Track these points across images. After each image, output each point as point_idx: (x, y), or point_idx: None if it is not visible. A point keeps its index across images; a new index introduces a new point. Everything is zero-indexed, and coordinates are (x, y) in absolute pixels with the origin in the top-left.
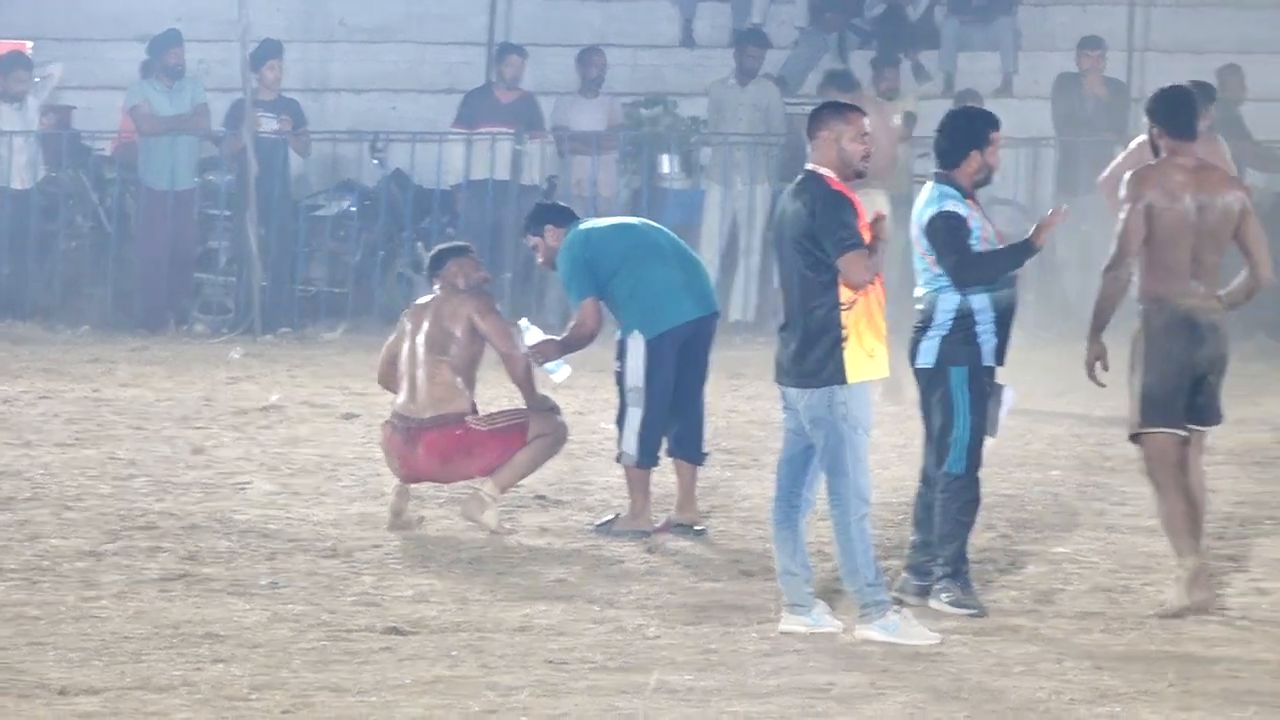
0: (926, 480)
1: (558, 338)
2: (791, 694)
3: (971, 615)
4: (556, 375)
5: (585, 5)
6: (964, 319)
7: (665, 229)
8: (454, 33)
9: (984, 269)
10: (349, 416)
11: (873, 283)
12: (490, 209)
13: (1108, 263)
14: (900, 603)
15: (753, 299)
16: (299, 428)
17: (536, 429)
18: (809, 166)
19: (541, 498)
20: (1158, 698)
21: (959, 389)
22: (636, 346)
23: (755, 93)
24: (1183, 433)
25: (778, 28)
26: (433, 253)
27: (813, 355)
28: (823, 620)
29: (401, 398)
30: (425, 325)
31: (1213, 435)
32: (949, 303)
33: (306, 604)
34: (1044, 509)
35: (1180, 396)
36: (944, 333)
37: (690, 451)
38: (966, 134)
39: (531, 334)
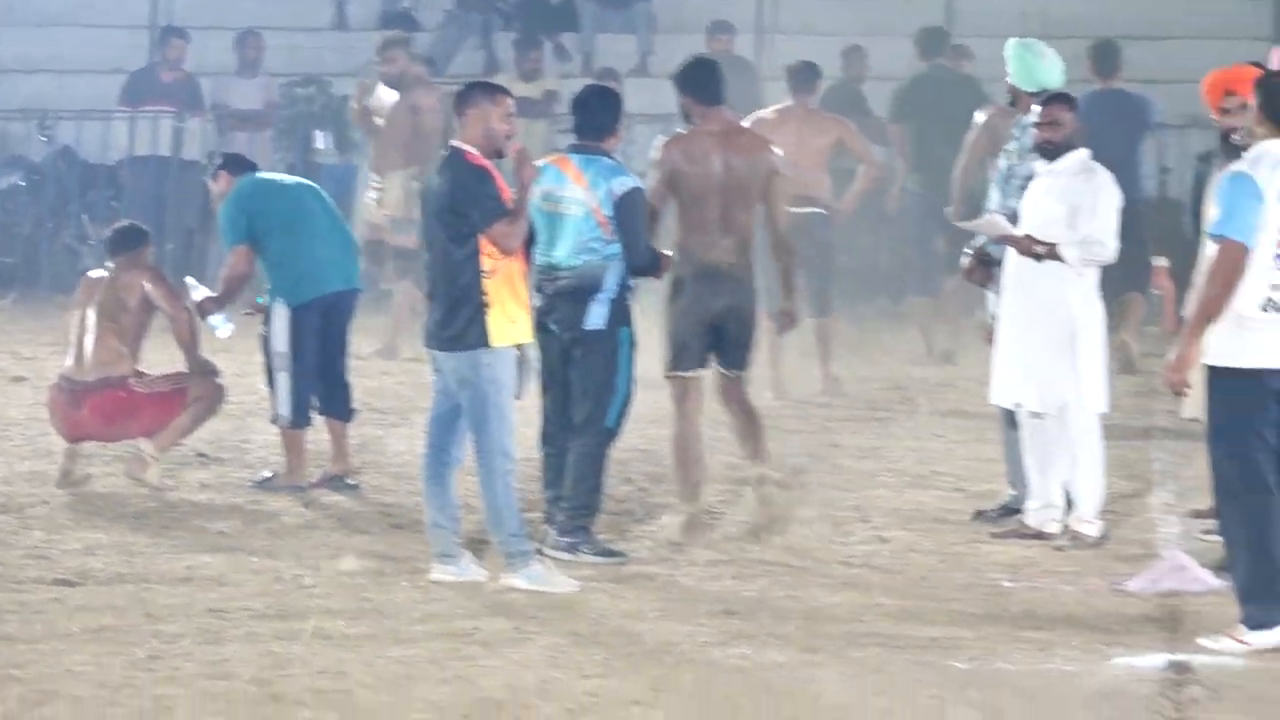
0: (549, 439)
1: (215, 294)
2: (440, 639)
3: (612, 564)
4: (220, 331)
5: None
6: (626, 286)
7: (328, 201)
8: (119, 16)
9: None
10: (17, 380)
11: (518, 250)
12: (153, 183)
13: None
14: (542, 552)
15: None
16: None
17: (196, 391)
18: (453, 143)
19: (203, 455)
20: (785, 640)
21: (625, 349)
22: (281, 314)
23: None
24: (701, 374)
25: (426, 11)
26: (113, 233)
27: (457, 320)
28: (469, 570)
29: (69, 362)
30: (98, 296)
31: (833, 393)
32: (618, 270)
33: None
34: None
35: (698, 342)
36: (613, 296)
37: (339, 410)
38: (614, 110)
39: (198, 291)
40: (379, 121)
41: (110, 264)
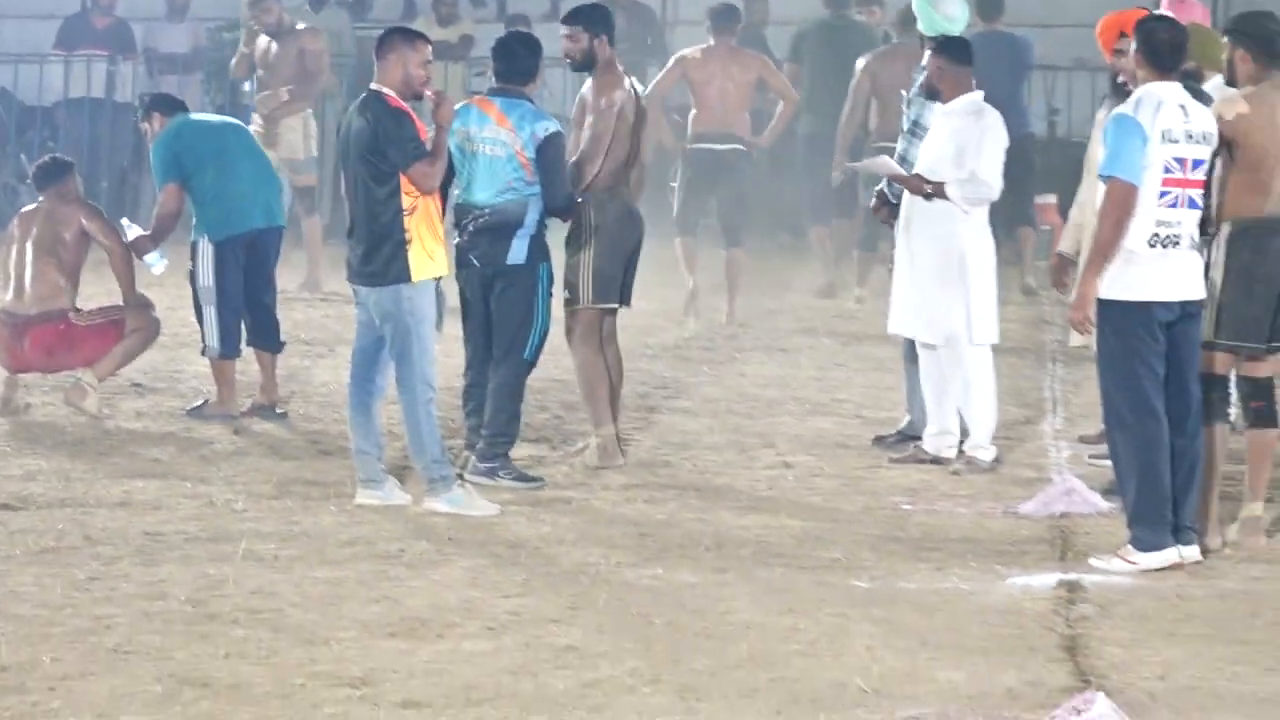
0: (470, 369)
1: (148, 233)
2: (367, 560)
3: (530, 488)
4: (155, 268)
5: None
6: (544, 224)
7: (254, 141)
8: None
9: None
10: None
11: (436, 189)
12: (87, 124)
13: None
14: (463, 477)
15: (326, 205)
16: None
17: (133, 324)
18: (373, 86)
19: (138, 385)
20: (695, 560)
21: (544, 283)
22: (206, 249)
23: (327, 18)
24: (615, 307)
25: None
26: (37, 168)
27: (379, 257)
28: (393, 494)
29: (9, 296)
30: (34, 230)
31: (744, 325)
32: (537, 208)
33: None
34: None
35: (619, 276)
36: (533, 233)
37: (268, 342)
38: (536, 56)
39: (131, 230)
40: (260, 73)
41: (41, 198)
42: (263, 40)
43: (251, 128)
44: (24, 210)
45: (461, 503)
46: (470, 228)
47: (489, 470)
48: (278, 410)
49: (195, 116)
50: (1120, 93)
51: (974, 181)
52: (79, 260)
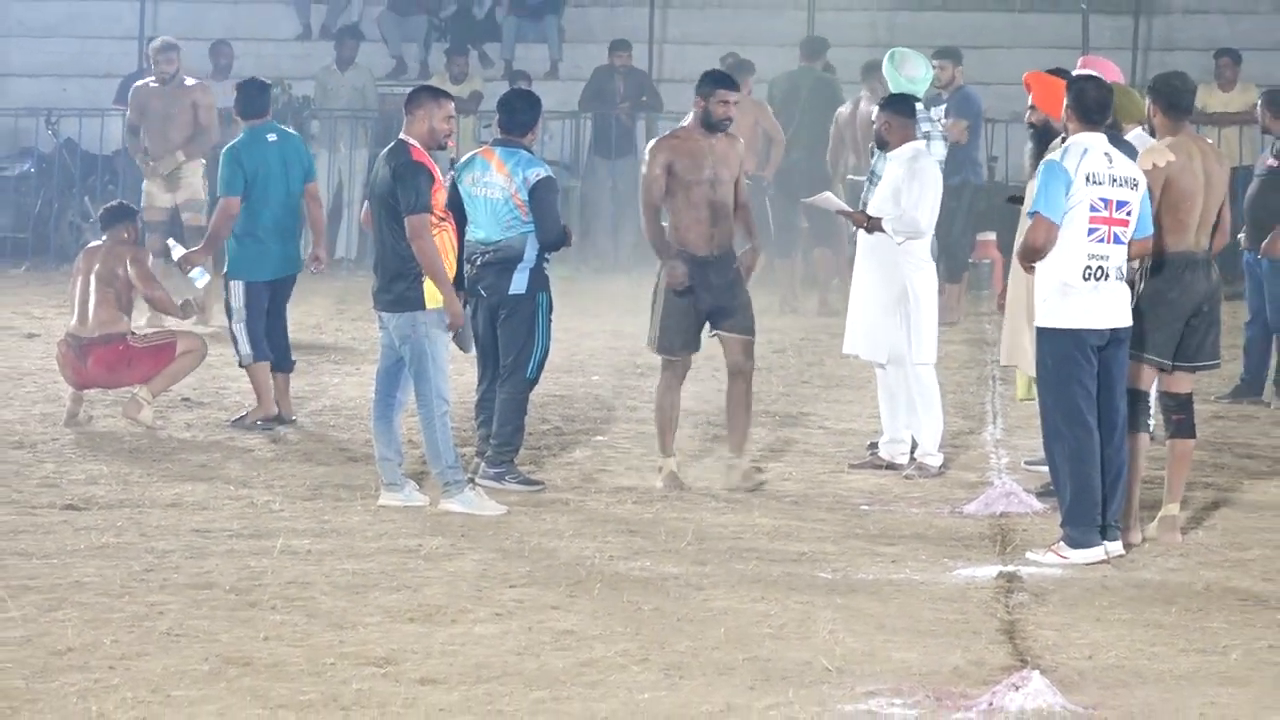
0: (485, 384)
1: (197, 249)
2: (389, 554)
3: (533, 491)
4: (199, 282)
5: (218, 5)
6: (542, 257)
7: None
8: (111, 28)
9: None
10: (31, 336)
11: (425, 242)
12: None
13: (642, 207)
14: (474, 481)
15: (354, 240)
16: None
17: (184, 346)
18: (401, 136)
19: (187, 400)
20: (678, 554)
21: (543, 310)
22: (238, 288)
23: (353, 77)
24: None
25: (369, 25)
26: (105, 210)
27: (398, 287)
28: (413, 496)
29: (74, 321)
30: (96, 265)
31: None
32: (534, 244)
33: None
34: (587, 406)
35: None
36: (532, 266)
37: (281, 362)
38: (535, 111)
39: (176, 250)
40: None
41: (105, 237)
42: (144, 93)
43: (149, 174)
44: (88, 246)
45: (473, 503)
46: (478, 261)
47: (497, 475)
48: (291, 419)
49: (267, 134)
50: (1036, 137)
51: (905, 218)
52: (133, 290)
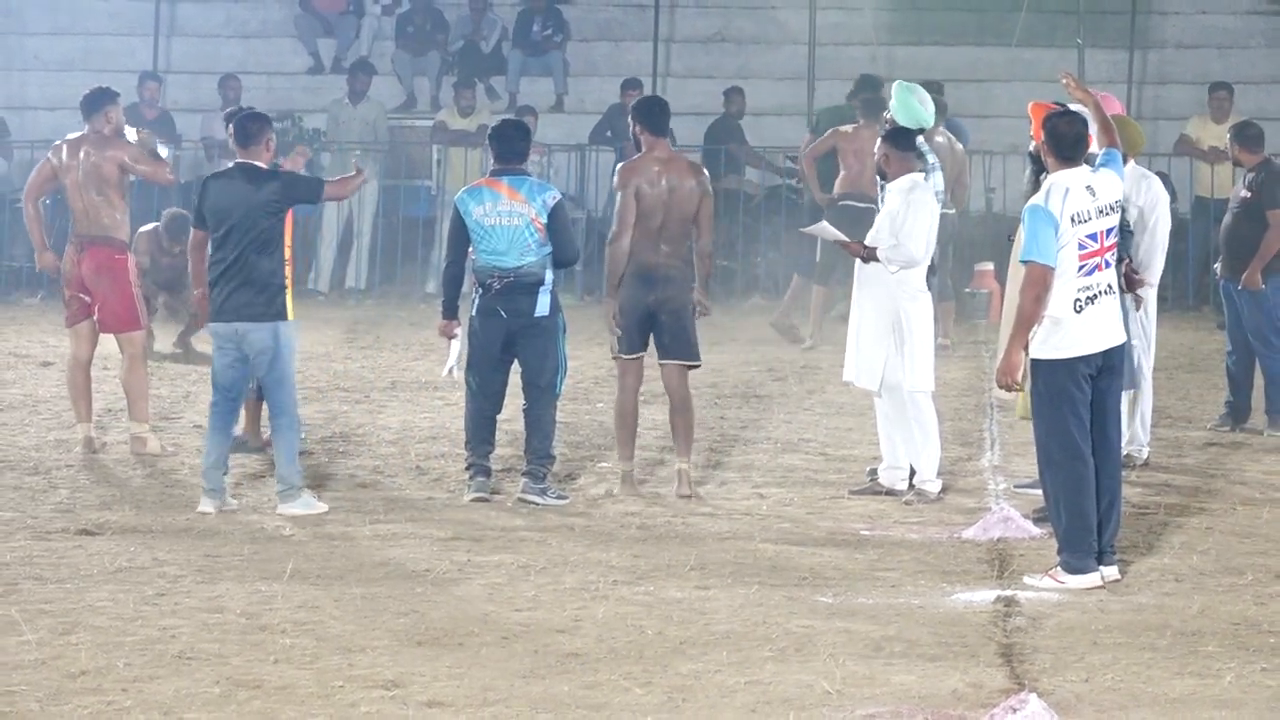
0: (489, 400)
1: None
2: (397, 579)
3: (564, 504)
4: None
5: (230, 40)
6: (557, 281)
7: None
8: (125, 62)
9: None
10: (46, 364)
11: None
12: (146, 200)
13: (610, 236)
14: (524, 499)
15: (364, 270)
16: (5, 373)
17: (137, 347)
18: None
19: (198, 426)
20: (682, 577)
21: (562, 330)
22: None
23: (365, 110)
24: (640, 356)
25: (379, 59)
26: (83, 100)
27: (262, 298)
28: (312, 504)
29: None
30: (79, 174)
31: (720, 371)
32: (551, 266)
33: (14, 511)
34: (591, 433)
35: (639, 328)
36: (551, 289)
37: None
38: (528, 138)
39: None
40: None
41: (85, 128)
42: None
43: None
44: (69, 138)
45: (306, 505)
46: (496, 286)
47: (541, 490)
48: (258, 447)
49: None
50: (1035, 160)
51: (899, 247)
52: (126, 180)
